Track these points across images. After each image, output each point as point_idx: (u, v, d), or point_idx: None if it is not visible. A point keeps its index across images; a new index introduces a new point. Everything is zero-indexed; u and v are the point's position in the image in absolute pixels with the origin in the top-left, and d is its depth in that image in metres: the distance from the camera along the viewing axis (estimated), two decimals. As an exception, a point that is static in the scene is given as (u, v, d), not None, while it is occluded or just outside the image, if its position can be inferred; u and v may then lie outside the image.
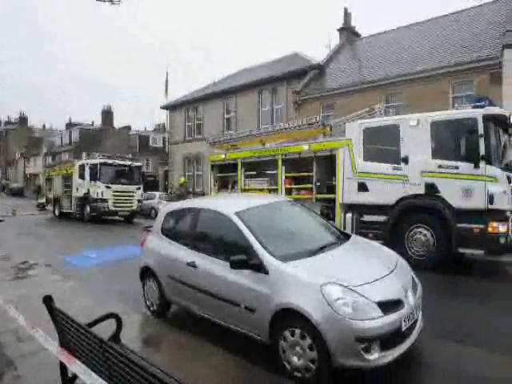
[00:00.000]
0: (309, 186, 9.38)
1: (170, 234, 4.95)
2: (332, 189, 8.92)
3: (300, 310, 3.16)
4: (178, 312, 5.24)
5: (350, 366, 3.06)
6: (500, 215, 6.84)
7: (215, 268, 3.98)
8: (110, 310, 3.19)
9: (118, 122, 46.63)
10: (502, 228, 6.76)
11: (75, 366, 1.99)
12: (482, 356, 3.81)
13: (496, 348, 3.95)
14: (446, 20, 18.33)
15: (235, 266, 3.61)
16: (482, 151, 6.81)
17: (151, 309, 5.11)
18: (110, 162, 18.34)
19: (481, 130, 6.84)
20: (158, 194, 23.37)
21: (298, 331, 3.22)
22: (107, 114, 44.22)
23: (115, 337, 2.98)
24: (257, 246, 3.68)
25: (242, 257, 3.58)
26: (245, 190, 10.67)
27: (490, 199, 6.72)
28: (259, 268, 3.54)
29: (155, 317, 5.02)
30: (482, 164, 6.80)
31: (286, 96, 20.09)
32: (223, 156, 11.53)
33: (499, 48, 13.37)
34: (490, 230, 6.70)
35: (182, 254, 4.47)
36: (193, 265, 4.23)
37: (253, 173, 10.73)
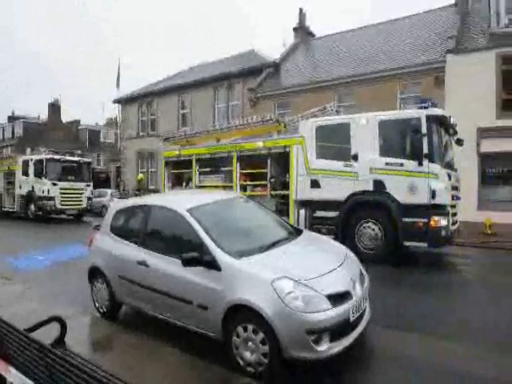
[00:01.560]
0: (263, 182, 9.47)
1: (120, 232, 4.79)
2: (286, 185, 9.07)
3: (252, 305, 3.18)
4: (129, 313, 5.10)
5: (300, 358, 3.13)
6: (441, 210, 7.30)
7: (167, 266, 3.91)
8: (57, 313, 3.04)
9: (67, 116, 44.24)
10: (443, 222, 7.21)
11: (11, 375, 1.87)
12: (424, 342, 4.04)
13: (435, 334, 4.22)
14: (396, 24, 19.15)
15: (187, 263, 3.56)
16: (425, 149, 7.22)
17: (101, 310, 4.93)
18: (57, 157, 17.47)
19: (424, 130, 7.25)
20: (109, 191, 22.57)
21: (250, 326, 3.24)
22: (54, 108, 41.85)
23: (59, 341, 2.84)
24: (209, 242, 3.66)
25: (194, 254, 3.55)
26: (200, 187, 10.57)
27: (432, 195, 7.16)
28: (212, 265, 3.52)
29: (105, 319, 4.85)
30: (425, 162, 7.21)
31: (242, 93, 20.10)
32: (177, 152, 11.34)
33: (443, 53, 14.22)
34: (432, 223, 7.12)
35: (133, 252, 4.35)
36: (144, 263, 4.13)
37: (208, 169, 10.65)
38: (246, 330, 3.27)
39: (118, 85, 27.44)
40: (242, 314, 3.30)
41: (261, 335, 3.19)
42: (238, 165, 9.84)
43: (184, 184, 11.33)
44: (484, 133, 13.12)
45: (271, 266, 3.43)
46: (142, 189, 18.78)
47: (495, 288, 6.30)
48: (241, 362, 3.34)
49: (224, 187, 10.03)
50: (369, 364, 3.70)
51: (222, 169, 10.31)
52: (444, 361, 3.61)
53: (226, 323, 3.40)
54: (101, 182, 28.36)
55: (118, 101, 26.97)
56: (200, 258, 3.54)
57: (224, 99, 21.26)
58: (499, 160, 13.27)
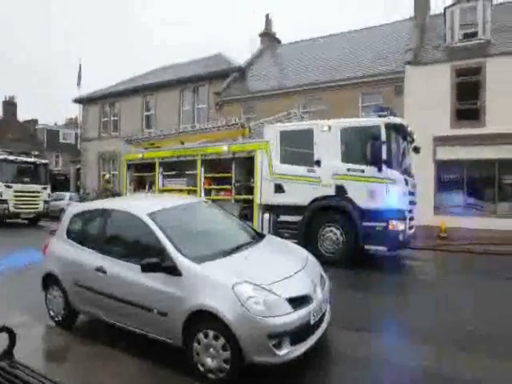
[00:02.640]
0: (228, 186, 9.46)
1: (77, 237, 4.62)
2: (250, 190, 9.10)
3: (213, 310, 3.16)
4: (86, 322, 4.91)
5: (261, 363, 3.14)
6: (399, 214, 7.58)
7: (126, 272, 3.80)
8: (7, 323, 2.87)
9: (23, 115, 42.16)
10: (400, 226, 7.50)
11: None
12: (384, 342, 4.18)
13: (394, 334, 4.37)
14: (359, 34, 19.75)
15: (147, 269, 3.49)
16: (384, 156, 7.48)
17: (56, 319, 4.71)
18: (11, 158, 16.55)
19: (383, 137, 7.52)
20: (68, 194, 21.74)
21: (211, 333, 3.21)
22: (9, 106, 39.71)
23: (7, 353, 2.68)
24: (170, 247, 3.60)
25: (154, 260, 3.48)
26: (163, 191, 10.40)
27: (390, 200, 7.42)
28: (172, 270, 3.46)
29: (61, 328, 4.64)
30: (384, 168, 7.47)
31: (208, 96, 20.00)
32: (140, 155, 11.11)
33: (403, 64, 14.83)
34: (390, 227, 7.39)
35: (90, 258, 4.20)
36: (102, 270, 4.00)
37: (171, 173, 10.51)
38: (206, 336, 3.24)
39: (78, 84, 26.51)
40: (203, 320, 3.26)
41: (222, 341, 3.17)
42: (203, 169, 9.78)
43: (147, 187, 11.11)
44: (439, 141, 13.80)
45: (232, 271, 3.42)
46: (109, 190, 18.00)
47: (449, 289, 6.59)
48: (201, 369, 3.29)
49: (188, 191, 9.93)
50: (329, 366, 3.76)
51: (186, 172, 10.21)
52: (403, 360, 3.71)
53: (187, 329, 3.35)
54: (59, 184, 27.27)
55: (78, 100, 26.06)
56: (160, 263, 3.48)
57: (190, 102, 21.06)
58: (453, 167, 13.99)
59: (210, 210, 4.98)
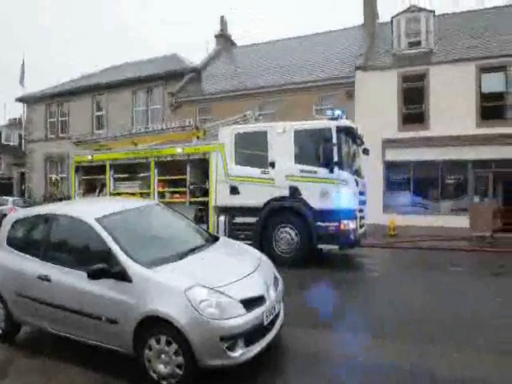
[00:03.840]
0: (183, 189, 9.31)
1: (18, 244, 4.35)
2: (206, 192, 9.02)
3: (164, 315, 3.10)
4: (29, 333, 4.64)
5: (215, 366, 3.13)
6: (350, 214, 7.84)
7: (73, 280, 3.64)
8: None
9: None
10: (351, 225, 7.76)
11: None
12: (339, 339, 4.29)
13: (346, 330, 4.50)
14: (314, 39, 20.19)
15: (94, 276, 3.35)
16: (336, 158, 7.71)
17: (-5, 333, 4.42)
18: None
19: (334, 140, 7.74)
20: (11, 199, 20.34)
21: (163, 338, 3.15)
22: None
23: None
24: (119, 253, 3.48)
25: (102, 266, 3.35)
26: (115, 194, 10.03)
27: (342, 200, 7.66)
28: (122, 276, 3.36)
29: (1, 342, 4.37)
30: (335, 169, 7.69)
31: (163, 97, 19.61)
32: (90, 157, 10.65)
33: (353, 69, 15.38)
34: (342, 227, 7.62)
35: (33, 266, 3.97)
36: (46, 278, 3.79)
37: (123, 175, 10.17)
38: (158, 342, 3.17)
39: (21, 82, 24.97)
40: (154, 326, 3.20)
41: (174, 346, 3.12)
42: (156, 171, 9.56)
43: (97, 191, 10.67)
44: (388, 143, 14.46)
45: (185, 275, 3.37)
46: (57, 193, 17.04)
47: (399, 284, 6.91)
48: (154, 376, 3.22)
49: (141, 194, 9.67)
50: (284, 365, 3.80)
51: (139, 175, 9.94)
52: (358, 356, 3.81)
53: (138, 337, 3.26)
54: (2, 188, 25.63)
55: (22, 99, 24.54)
56: (109, 269, 3.36)
57: (143, 102, 20.52)
58: (401, 168, 14.71)
59: (162, 213, 4.87)
